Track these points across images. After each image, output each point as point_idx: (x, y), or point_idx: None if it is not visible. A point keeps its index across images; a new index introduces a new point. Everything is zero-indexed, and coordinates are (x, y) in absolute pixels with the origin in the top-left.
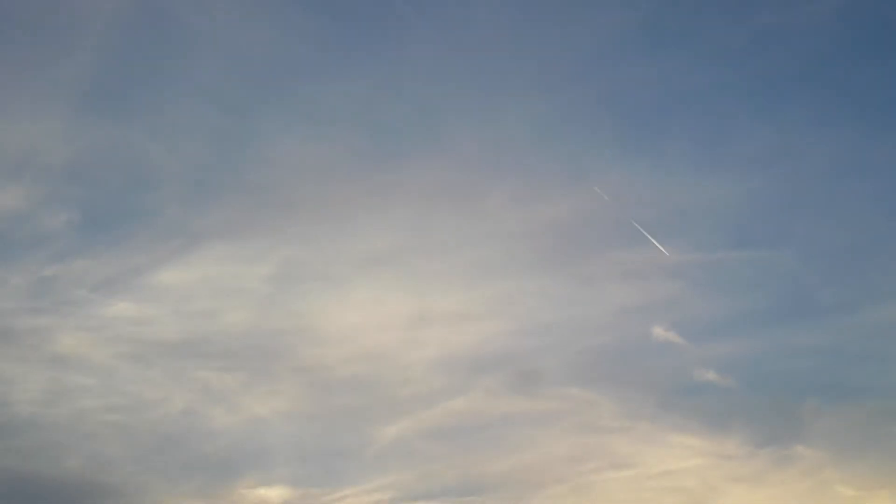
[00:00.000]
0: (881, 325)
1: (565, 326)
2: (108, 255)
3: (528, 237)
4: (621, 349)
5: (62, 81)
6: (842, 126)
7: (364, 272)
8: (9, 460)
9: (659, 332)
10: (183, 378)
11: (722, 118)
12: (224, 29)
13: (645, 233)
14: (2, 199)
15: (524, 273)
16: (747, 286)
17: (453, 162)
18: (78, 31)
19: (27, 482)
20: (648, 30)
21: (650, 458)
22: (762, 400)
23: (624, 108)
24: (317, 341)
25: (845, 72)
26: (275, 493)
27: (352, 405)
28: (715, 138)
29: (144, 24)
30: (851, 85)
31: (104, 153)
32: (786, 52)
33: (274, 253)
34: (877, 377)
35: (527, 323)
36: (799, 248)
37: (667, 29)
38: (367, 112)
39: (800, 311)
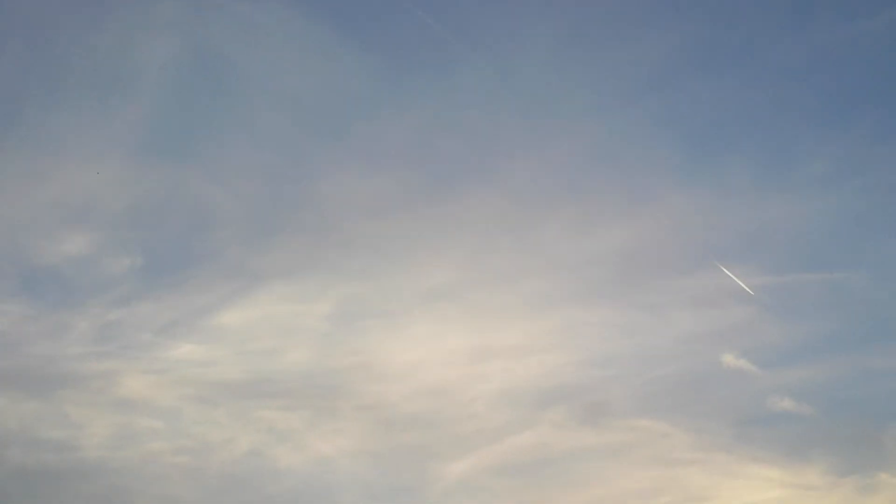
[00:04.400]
0: None
1: (632, 356)
2: (170, 298)
3: (589, 266)
4: (691, 378)
5: (121, 128)
6: None
7: (423, 307)
8: None
9: (730, 359)
10: (248, 418)
11: (786, 136)
12: (277, 69)
13: (711, 258)
14: (66, 246)
15: (587, 303)
16: (820, 309)
17: (509, 192)
18: (134, 78)
19: None
20: (704, 48)
21: (727, 490)
22: (842, 427)
23: (682, 130)
24: (379, 378)
25: None
26: None
27: (416, 442)
28: (780, 157)
29: (199, 68)
30: None
31: (164, 197)
32: (847, 66)
33: (333, 290)
34: None
35: (592, 354)
36: (873, 268)
37: (723, 47)
38: (420, 146)
39: (877, 333)
